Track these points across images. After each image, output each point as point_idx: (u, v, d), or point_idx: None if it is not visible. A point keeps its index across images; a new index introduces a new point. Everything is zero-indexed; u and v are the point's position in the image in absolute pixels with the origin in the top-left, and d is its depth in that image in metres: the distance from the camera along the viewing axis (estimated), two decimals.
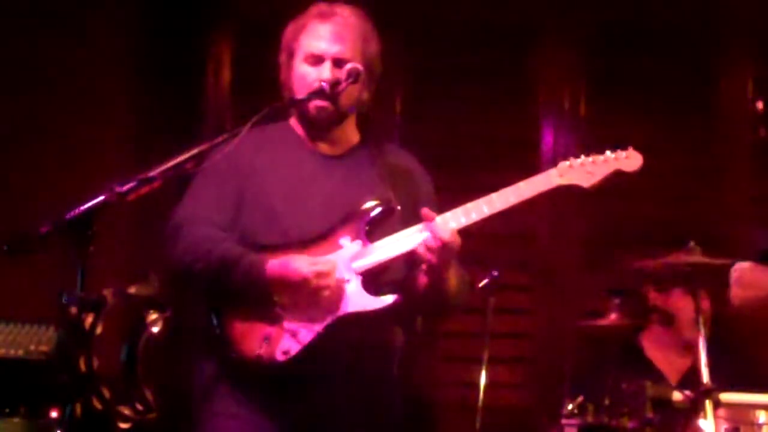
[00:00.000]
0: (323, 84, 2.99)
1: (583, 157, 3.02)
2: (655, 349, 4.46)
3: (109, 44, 4.95)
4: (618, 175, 3.03)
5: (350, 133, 3.16)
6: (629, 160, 3.03)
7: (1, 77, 4.71)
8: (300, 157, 3.10)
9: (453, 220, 2.93)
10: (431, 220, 2.91)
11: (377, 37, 3.13)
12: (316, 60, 3.04)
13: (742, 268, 3.32)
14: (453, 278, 3.01)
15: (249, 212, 3.03)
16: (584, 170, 3.01)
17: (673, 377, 4.38)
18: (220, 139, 2.80)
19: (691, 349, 4.41)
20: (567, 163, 3.02)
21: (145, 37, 5.03)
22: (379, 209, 2.99)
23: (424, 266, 2.95)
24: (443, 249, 2.88)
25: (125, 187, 2.59)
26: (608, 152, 3.03)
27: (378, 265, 2.95)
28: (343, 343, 2.92)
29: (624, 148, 3.05)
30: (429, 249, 2.89)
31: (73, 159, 4.73)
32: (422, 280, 3.00)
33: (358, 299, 2.91)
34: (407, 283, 3.03)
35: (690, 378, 4.24)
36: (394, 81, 4.99)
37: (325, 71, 3.01)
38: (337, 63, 3.02)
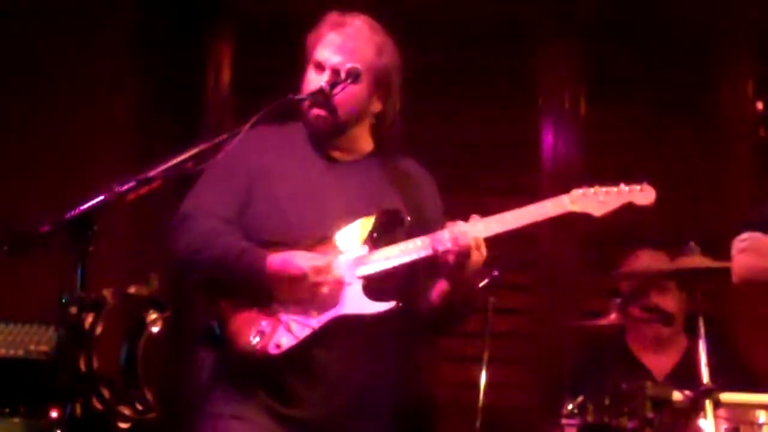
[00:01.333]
0: (323, 84, 2.99)
1: (596, 186, 3.04)
2: (640, 347, 4.47)
3: (108, 44, 4.95)
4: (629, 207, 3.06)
5: (362, 142, 3.15)
6: (643, 193, 3.05)
7: (1, 77, 4.71)
8: (310, 159, 3.10)
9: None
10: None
11: (395, 49, 3.12)
12: (320, 67, 3.05)
13: (753, 236, 3.25)
14: (468, 287, 3.00)
15: (256, 210, 3.04)
16: (597, 199, 3.03)
17: (659, 375, 4.38)
18: (219, 139, 2.80)
19: (676, 346, 4.43)
20: (580, 191, 3.03)
21: (145, 37, 5.03)
22: (388, 217, 2.99)
23: (446, 266, 2.93)
24: (463, 254, 2.88)
25: (125, 187, 2.59)
26: (622, 185, 3.05)
27: (381, 271, 2.95)
28: (339, 344, 2.92)
29: (639, 182, 3.06)
30: (447, 251, 2.89)
31: (73, 159, 4.73)
32: (439, 285, 3.00)
33: (356, 302, 2.92)
34: (409, 291, 3.04)
35: (676, 375, 4.25)
36: None
37: (323, 80, 3.01)
38: (337, 73, 3.02)
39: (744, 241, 3.23)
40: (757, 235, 3.22)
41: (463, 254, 2.89)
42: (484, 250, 2.92)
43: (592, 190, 3.03)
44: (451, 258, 2.90)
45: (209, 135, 2.82)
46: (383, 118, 3.15)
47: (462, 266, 2.90)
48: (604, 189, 3.04)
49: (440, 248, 2.90)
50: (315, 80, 3.04)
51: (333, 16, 3.10)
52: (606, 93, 5.22)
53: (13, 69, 4.73)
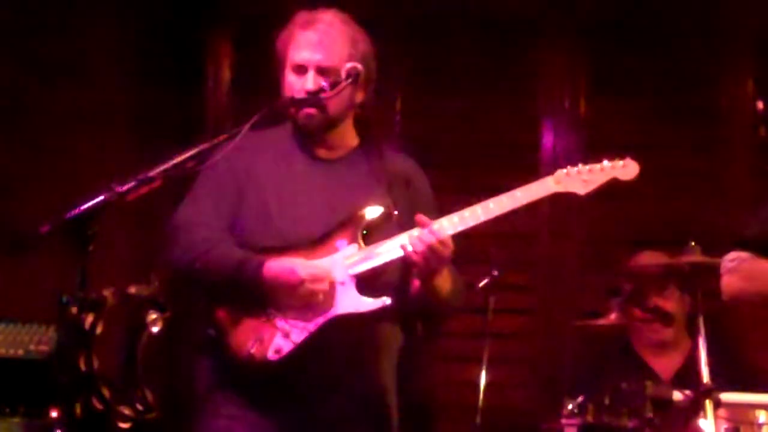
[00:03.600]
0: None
1: (580, 165, 3.04)
2: (645, 348, 4.47)
3: (109, 44, 4.95)
4: (614, 183, 3.05)
5: (348, 137, 3.15)
6: (626, 168, 3.05)
7: (1, 77, 4.71)
8: (297, 161, 3.10)
9: (449, 225, 2.94)
10: (426, 226, 2.92)
11: (367, 38, 3.10)
12: (301, 70, 3.04)
13: (740, 258, 3.23)
14: (446, 282, 3.01)
15: (247, 215, 3.04)
16: (581, 178, 3.03)
17: (665, 376, 4.38)
18: (219, 139, 2.80)
19: (680, 347, 4.43)
20: (564, 170, 3.03)
21: (145, 37, 5.03)
22: (376, 213, 2.99)
23: (414, 269, 2.96)
24: (431, 253, 2.89)
25: (125, 187, 2.59)
26: (605, 161, 3.04)
27: (373, 268, 2.96)
28: (336, 344, 2.93)
29: (622, 156, 3.06)
30: (416, 252, 2.90)
31: (73, 159, 4.73)
32: (414, 283, 3.02)
33: (351, 301, 2.93)
34: (402, 287, 3.04)
35: (682, 376, 4.25)
36: (394, 81, 4.99)
37: (309, 81, 3.00)
38: (321, 71, 3.01)
39: (732, 261, 3.21)
40: (744, 256, 3.20)
41: (430, 252, 2.89)
42: (450, 246, 2.92)
43: (575, 169, 3.03)
44: (416, 257, 2.91)
45: (209, 135, 2.82)
46: (364, 106, 3.14)
47: (427, 265, 2.91)
48: (587, 167, 3.04)
49: (409, 247, 2.91)
50: (297, 83, 3.03)
51: (302, 15, 3.09)
52: (606, 93, 5.22)
53: (12, 69, 4.73)
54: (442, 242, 2.90)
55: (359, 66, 3.02)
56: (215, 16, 5.33)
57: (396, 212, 2.99)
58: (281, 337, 2.90)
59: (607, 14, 5.21)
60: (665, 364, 4.42)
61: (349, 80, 3.00)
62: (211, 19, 5.32)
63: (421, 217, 2.92)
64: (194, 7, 5.22)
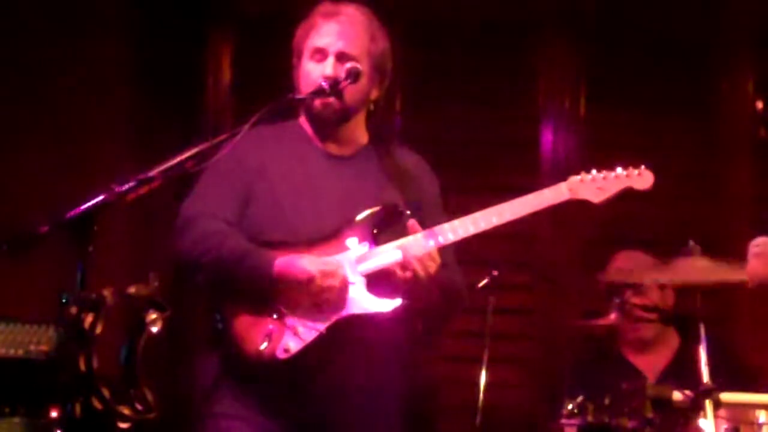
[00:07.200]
0: (323, 83, 2.99)
1: (594, 172, 3.04)
2: (628, 348, 4.45)
3: (108, 44, 4.95)
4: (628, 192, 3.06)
5: (359, 134, 3.16)
6: (641, 178, 3.06)
7: (1, 77, 4.71)
8: (309, 157, 3.10)
9: (461, 228, 2.94)
10: (415, 232, 2.91)
11: (385, 35, 3.13)
12: (321, 56, 3.05)
13: (766, 242, 3.21)
14: (440, 288, 3.00)
15: (257, 209, 3.04)
16: (595, 186, 3.04)
17: (651, 374, 4.37)
18: (220, 138, 2.80)
19: (666, 345, 4.42)
20: (578, 177, 3.04)
21: (144, 37, 5.03)
22: (387, 212, 2.99)
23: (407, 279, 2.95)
24: (421, 264, 2.89)
25: (125, 187, 2.59)
26: (619, 169, 3.05)
27: (383, 268, 2.95)
28: (345, 344, 2.92)
29: (635, 165, 3.06)
30: (403, 268, 2.90)
31: (73, 159, 4.73)
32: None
33: (361, 301, 2.92)
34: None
35: (669, 375, 4.24)
36: (394, 81, 4.98)
37: (328, 67, 3.02)
38: (341, 58, 3.02)
39: (758, 246, 3.20)
40: None
41: (423, 263, 2.90)
42: (437, 261, 2.92)
43: (590, 176, 3.04)
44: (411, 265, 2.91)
45: (209, 135, 2.82)
46: (378, 103, 3.15)
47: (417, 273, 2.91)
48: (601, 175, 3.05)
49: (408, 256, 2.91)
50: (316, 69, 3.03)
51: (325, 6, 3.12)
52: (606, 93, 5.22)
53: (13, 69, 4.73)
54: (423, 256, 2.90)
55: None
56: (215, 16, 5.32)
57: (408, 212, 2.99)
58: (291, 336, 2.89)
59: (607, 14, 5.21)
60: (650, 363, 4.40)
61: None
62: (212, 19, 5.31)
63: (412, 223, 2.92)
64: (194, 8, 5.22)
